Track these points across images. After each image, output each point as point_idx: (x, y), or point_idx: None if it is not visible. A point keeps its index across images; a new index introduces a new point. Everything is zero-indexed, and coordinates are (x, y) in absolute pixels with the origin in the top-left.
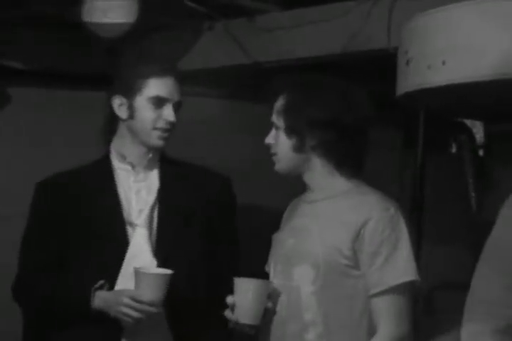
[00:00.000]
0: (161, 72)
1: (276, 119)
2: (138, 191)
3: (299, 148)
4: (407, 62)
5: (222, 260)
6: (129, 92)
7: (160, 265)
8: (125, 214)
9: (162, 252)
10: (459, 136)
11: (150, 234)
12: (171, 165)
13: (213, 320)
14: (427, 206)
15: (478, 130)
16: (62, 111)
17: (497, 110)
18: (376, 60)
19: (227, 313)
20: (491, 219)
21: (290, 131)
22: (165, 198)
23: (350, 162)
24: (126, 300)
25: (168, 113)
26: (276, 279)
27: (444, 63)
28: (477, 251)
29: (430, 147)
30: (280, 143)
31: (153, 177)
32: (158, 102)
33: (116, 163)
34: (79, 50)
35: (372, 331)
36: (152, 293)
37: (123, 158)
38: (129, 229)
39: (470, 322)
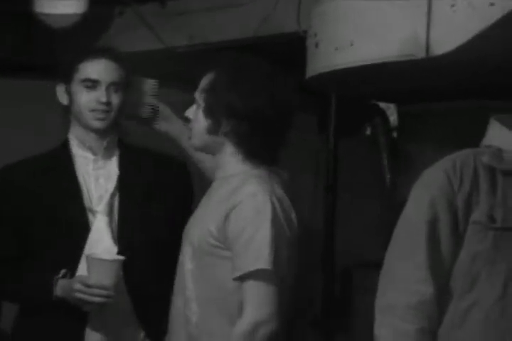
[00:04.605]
0: (92, 55)
1: (198, 97)
2: (97, 178)
3: (213, 131)
4: (316, 45)
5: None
6: (66, 78)
7: (121, 251)
8: (85, 201)
9: (124, 238)
10: (372, 118)
11: (111, 220)
12: (131, 152)
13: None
14: (342, 188)
15: (392, 112)
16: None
17: (407, 92)
18: (287, 44)
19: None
20: (405, 200)
21: (208, 112)
22: (124, 185)
23: (262, 152)
24: (77, 286)
25: (100, 94)
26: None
27: (351, 44)
28: (391, 230)
29: (344, 130)
30: (197, 120)
31: (113, 165)
32: (90, 85)
33: (76, 150)
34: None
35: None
36: (101, 277)
37: (83, 143)
38: (90, 216)
39: (383, 297)
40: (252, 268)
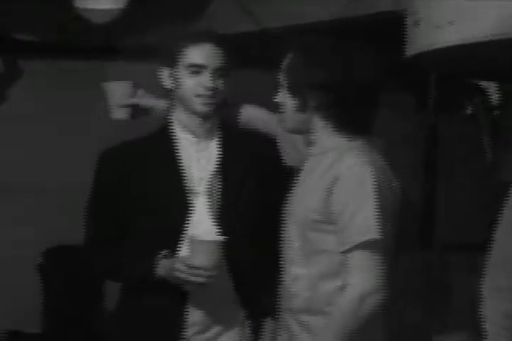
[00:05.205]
0: (197, 40)
1: (282, 79)
2: (198, 160)
3: (301, 108)
4: (416, 23)
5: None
6: (171, 63)
7: (222, 232)
8: (187, 183)
9: (224, 219)
10: (473, 96)
11: (211, 201)
12: (232, 134)
13: (278, 283)
14: (441, 167)
15: (493, 90)
16: (75, 82)
17: (509, 70)
18: (385, 23)
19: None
20: (506, 179)
21: (292, 91)
22: (225, 167)
23: (353, 122)
24: (178, 265)
25: (206, 79)
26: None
27: (452, 23)
28: (492, 210)
29: (444, 109)
30: (285, 102)
31: (214, 147)
32: (196, 69)
33: (178, 132)
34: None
35: None
36: (202, 258)
37: (185, 126)
38: (191, 197)
39: (491, 278)
40: (360, 240)
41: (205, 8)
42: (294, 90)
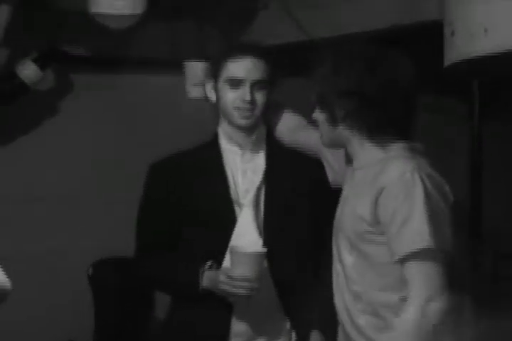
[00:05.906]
0: (238, 53)
1: (313, 94)
2: (244, 172)
3: (331, 121)
4: (452, 33)
5: (327, 240)
6: (214, 76)
7: (267, 244)
8: (232, 194)
9: (269, 231)
10: None
11: (257, 213)
12: (278, 148)
13: (324, 298)
14: (488, 171)
15: None
16: (127, 96)
17: None
18: (430, 31)
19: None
20: None
21: (321, 103)
22: (271, 179)
23: (384, 130)
24: (222, 277)
25: (244, 92)
26: (333, 248)
27: (485, 31)
28: None
29: (489, 112)
30: (318, 117)
31: (260, 159)
32: (235, 83)
33: (224, 144)
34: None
35: None
36: (244, 270)
37: (230, 138)
38: (236, 209)
39: None
40: (412, 249)
41: (253, 20)
42: (322, 102)
